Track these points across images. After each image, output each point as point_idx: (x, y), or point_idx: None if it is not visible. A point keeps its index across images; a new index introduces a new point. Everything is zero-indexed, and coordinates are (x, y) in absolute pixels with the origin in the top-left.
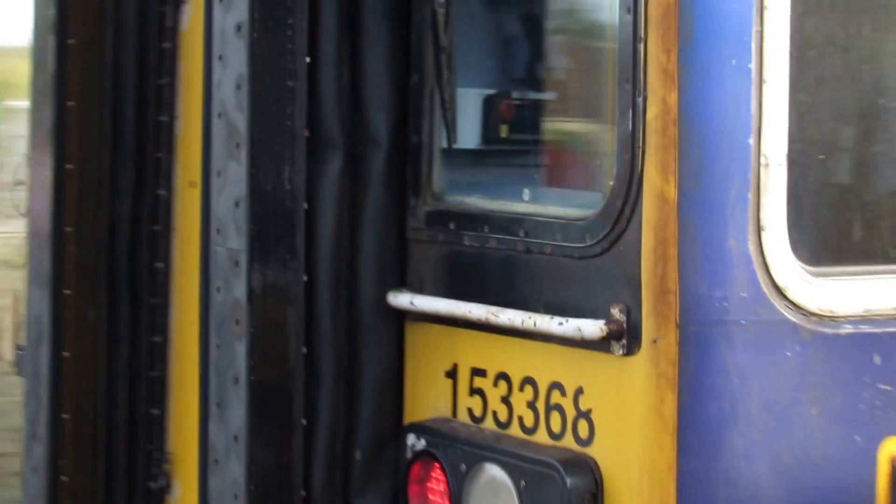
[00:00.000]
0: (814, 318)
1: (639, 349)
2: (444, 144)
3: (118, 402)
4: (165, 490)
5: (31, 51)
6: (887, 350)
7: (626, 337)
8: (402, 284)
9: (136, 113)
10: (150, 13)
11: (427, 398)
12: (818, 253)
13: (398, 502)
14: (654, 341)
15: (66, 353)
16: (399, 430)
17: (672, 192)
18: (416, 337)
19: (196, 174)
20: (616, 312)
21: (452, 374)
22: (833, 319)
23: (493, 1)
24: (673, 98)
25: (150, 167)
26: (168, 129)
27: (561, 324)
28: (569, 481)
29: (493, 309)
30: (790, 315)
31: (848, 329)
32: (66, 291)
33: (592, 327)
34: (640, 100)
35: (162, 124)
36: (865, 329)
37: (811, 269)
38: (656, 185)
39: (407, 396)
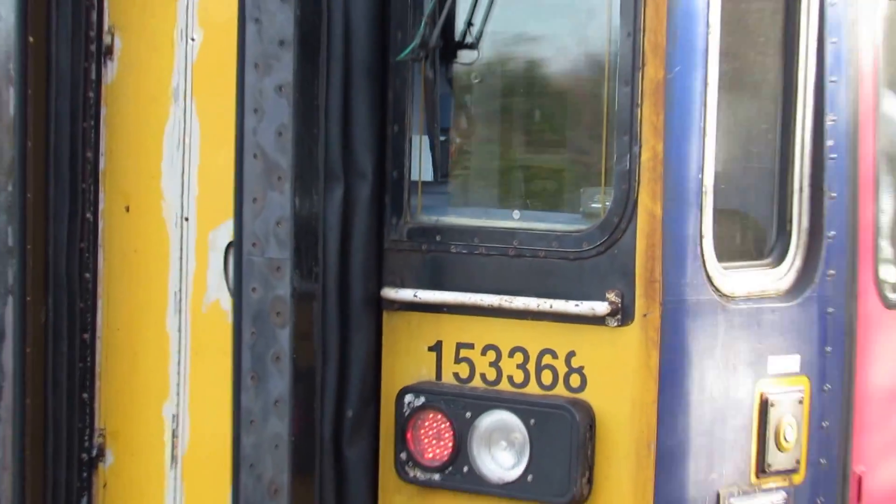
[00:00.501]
0: (725, 298)
1: (631, 321)
2: (428, 177)
3: (60, 388)
4: (98, 459)
5: None
6: (760, 320)
7: (620, 313)
8: (381, 284)
9: (69, 151)
10: (78, 69)
11: (407, 369)
12: (721, 253)
13: (379, 448)
14: (645, 315)
15: (28, 349)
16: (377, 394)
17: (659, 211)
18: (395, 322)
19: (130, 201)
20: (612, 296)
21: (436, 348)
22: (734, 299)
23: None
24: (660, 146)
25: (79, 196)
26: (93, 164)
27: (577, 305)
28: (577, 416)
29: (506, 298)
30: (716, 296)
31: (742, 306)
32: (28, 298)
33: (601, 307)
34: (636, 148)
35: (88, 160)
36: (750, 305)
37: (721, 264)
38: (648, 206)
39: (385, 368)
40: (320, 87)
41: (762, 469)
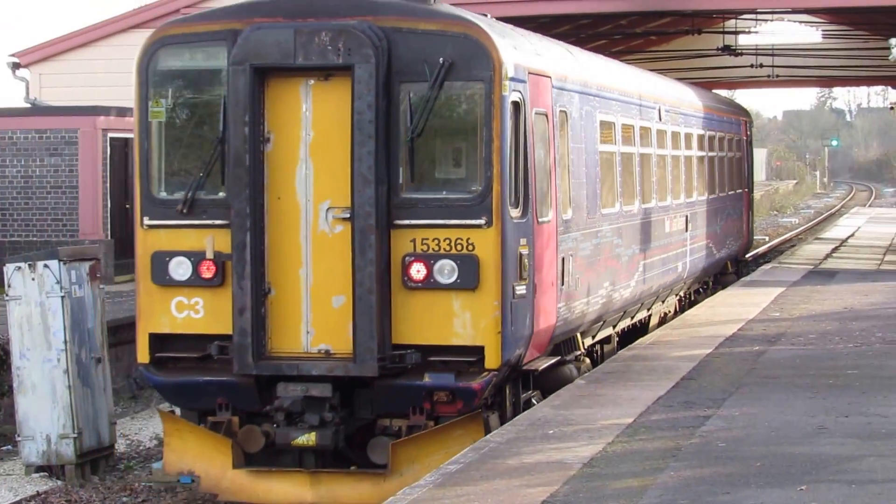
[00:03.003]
0: (513, 219)
1: (492, 227)
2: (408, 182)
3: (256, 267)
4: (268, 293)
5: (234, 156)
6: (505, 227)
7: (487, 223)
8: (391, 221)
9: (259, 178)
10: (258, 147)
11: (401, 248)
12: (516, 207)
13: (391, 276)
14: (496, 224)
15: (251, 252)
16: (390, 259)
17: (499, 190)
18: (396, 234)
19: (281, 191)
20: (485, 219)
21: (413, 241)
22: (514, 219)
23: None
24: (499, 168)
25: (259, 193)
26: (262, 182)
27: (474, 221)
28: (475, 258)
29: (447, 220)
30: (511, 218)
31: (516, 221)
32: (252, 231)
33: (481, 221)
34: (493, 168)
35: (260, 180)
36: (515, 221)
37: (511, 209)
38: (496, 188)
39: (392, 250)
40: (379, 150)
41: (521, 277)
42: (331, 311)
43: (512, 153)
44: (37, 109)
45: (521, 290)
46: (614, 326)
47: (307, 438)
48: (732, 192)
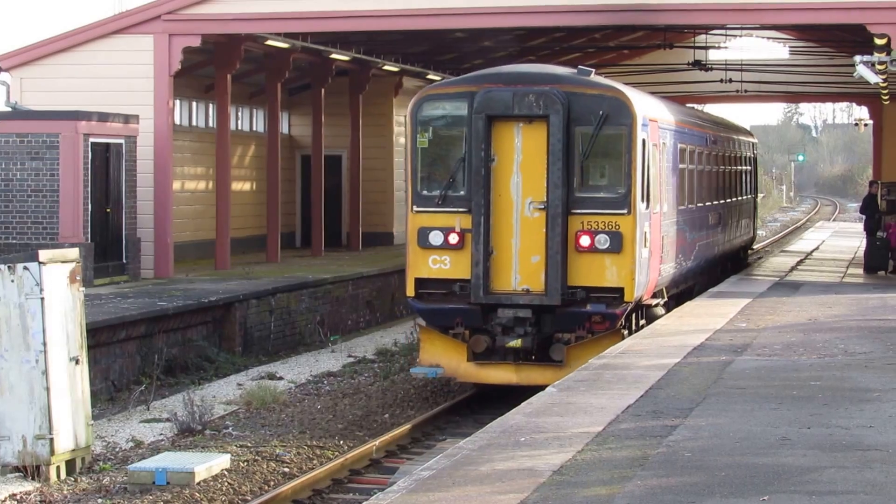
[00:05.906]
0: (639, 210)
1: (630, 214)
2: (579, 186)
3: (487, 240)
4: (491, 253)
5: (474, 170)
6: (643, 216)
7: (627, 212)
8: (569, 210)
9: (489, 181)
10: (488, 166)
11: (574, 227)
12: (643, 202)
13: (568, 242)
14: (633, 212)
15: (482, 233)
16: (567, 234)
17: (637, 192)
18: (572, 218)
19: (501, 192)
20: (626, 209)
21: (582, 223)
22: (641, 212)
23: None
24: (638, 176)
25: (487, 193)
26: (489, 186)
27: (622, 209)
28: (619, 233)
29: (604, 209)
30: (639, 209)
31: (645, 212)
32: (482, 217)
33: (624, 210)
34: (630, 177)
35: (487, 183)
36: (643, 212)
37: (640, 203)
38: (633, 189)
39: (570, 228)
40: (563, 167)
41: (644, 246)
42: (530, 265)
43: (641, 170)
44: (18, 113)
45: (644, 254)
46: (677, 288)
47: (516, 343)
48: (745, 198)
